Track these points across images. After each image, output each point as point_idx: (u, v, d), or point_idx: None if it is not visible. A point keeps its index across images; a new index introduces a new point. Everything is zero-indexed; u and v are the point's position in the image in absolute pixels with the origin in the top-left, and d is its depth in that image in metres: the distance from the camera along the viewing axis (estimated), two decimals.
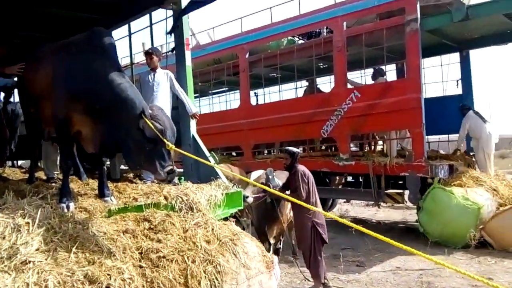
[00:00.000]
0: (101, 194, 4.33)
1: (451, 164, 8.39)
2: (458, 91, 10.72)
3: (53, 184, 4.76)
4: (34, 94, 4.76)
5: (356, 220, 10.82)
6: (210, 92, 13.43)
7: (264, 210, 5.72)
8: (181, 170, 6.20)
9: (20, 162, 9.18)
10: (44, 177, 5.75)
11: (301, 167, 5.71)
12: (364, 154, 8.93)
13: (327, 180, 10.26)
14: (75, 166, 5.32)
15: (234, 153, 11.98)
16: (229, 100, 14.13)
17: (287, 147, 6.10)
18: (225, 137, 11.17)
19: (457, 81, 10.73)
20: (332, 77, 11.13)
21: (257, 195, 5.58)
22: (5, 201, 3.53)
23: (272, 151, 11.22)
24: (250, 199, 5.43)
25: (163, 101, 5.65)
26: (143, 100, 3.90)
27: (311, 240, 5.54)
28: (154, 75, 5.74)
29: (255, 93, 13.04)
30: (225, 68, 11.36)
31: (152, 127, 3.51)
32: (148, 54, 5.80)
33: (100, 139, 4.01)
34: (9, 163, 8.20)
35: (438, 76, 10.75)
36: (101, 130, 3.97)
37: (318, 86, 10.93)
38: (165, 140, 3.49)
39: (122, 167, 6.68)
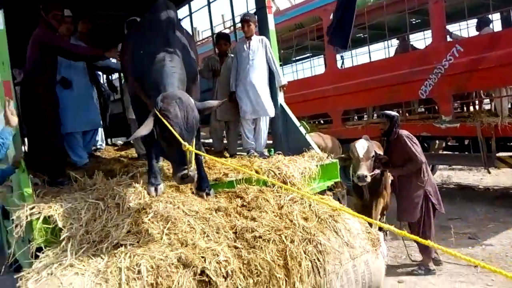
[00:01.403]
0: (197, 187, 3.91)
1: None
2: None
3: (144, 161, 4.65)
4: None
5: (461, 187, 9.95)
6: (293, 59, 12.93)
7: (372, 184, 5.21)
8: (270, 142, 5.91)
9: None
10: (135, 154, 5.74)
11: (405, 132, 5.14)
12: (470, 115, 7.99)
13: (425, 145, 9.44)
14: None
15: (322, 121, 11.47)
16: (314, 66, 13.53)
17: (384, 111, 5.52)
18: (311, 105, 10.62)
19: None
20: (426, 33, 10.18)
21: (373, 173, 5.08)
22: (95, 182, 3.43)
23: (363, 116, 10.56)
24: (369, 179, 4.95)
25: (259, 70, 5.37)
26: (173, 85, 3.20)
27: (422, 211, 5.00)
28: (249, 43, 5.39)
29: (341, 56, 12.29)
30: (308, 32, 10.75)
31: (166, 123, 2.87)
32: (245, 21, 5.42)
33: None
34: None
35: None
36: None
37: (411, 43, 9.99)
38: (181, 140, 2.81)
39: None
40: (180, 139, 2.82)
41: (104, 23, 7.00)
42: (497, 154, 7.71)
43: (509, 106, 7.95)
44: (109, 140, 8.66)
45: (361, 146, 5.11)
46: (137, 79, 3.65)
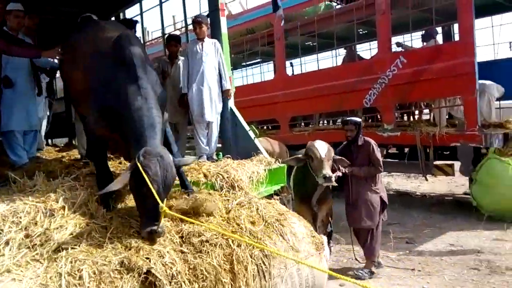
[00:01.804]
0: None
1: (506, 133, 7.76)
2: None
3: (85, 162, 4.51)
4: (71, 91, 4.38)
5: (399, 193, 10.37)
6: (243, 64, 13.02)
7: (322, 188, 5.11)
8: (219, 145, 5.91)
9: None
10: (78, 156, 5.56)
11: (369, 138, 5.28)
12: (410, 124, 8.37)
13: None
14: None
15: (270, 126, 11.61)
16: (264, 72, 13.69)
17: (350, 118, 5.46)
18: (261, 110, 10.76)
19: (510, 43, 9.94)
20: (372, 43, 10.58)
21: (335, 174, 4.96)
22: (36, 183, 3.29)
23: (309, 123, 10.78)
24: (333, 179, 4.81)
25: (211, 73, 5.35)
26: (155, 138, 3.15)
27: (379, 217, 5.18)
28: (202, 45, 5.35)
29: (290, 63, 12.51)
30: (259, 38, 10.89)
31: (147, 179, 2.85)
32: (197, 22, 5.37)
33: None
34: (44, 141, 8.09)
35: (489, 38, 9.95)
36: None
37: (358, 53, 10.35)
38: (159, 201, 2.85)
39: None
40: (158, 199, 2.84)
41: (53, 18, 6.75)
42: (434, 162, 8.13)
43: (447, 116, 8.41)
44: (49, 140, 8.34)
45: (322, 146, 4.98)
46: (105, 118, 3.41)
